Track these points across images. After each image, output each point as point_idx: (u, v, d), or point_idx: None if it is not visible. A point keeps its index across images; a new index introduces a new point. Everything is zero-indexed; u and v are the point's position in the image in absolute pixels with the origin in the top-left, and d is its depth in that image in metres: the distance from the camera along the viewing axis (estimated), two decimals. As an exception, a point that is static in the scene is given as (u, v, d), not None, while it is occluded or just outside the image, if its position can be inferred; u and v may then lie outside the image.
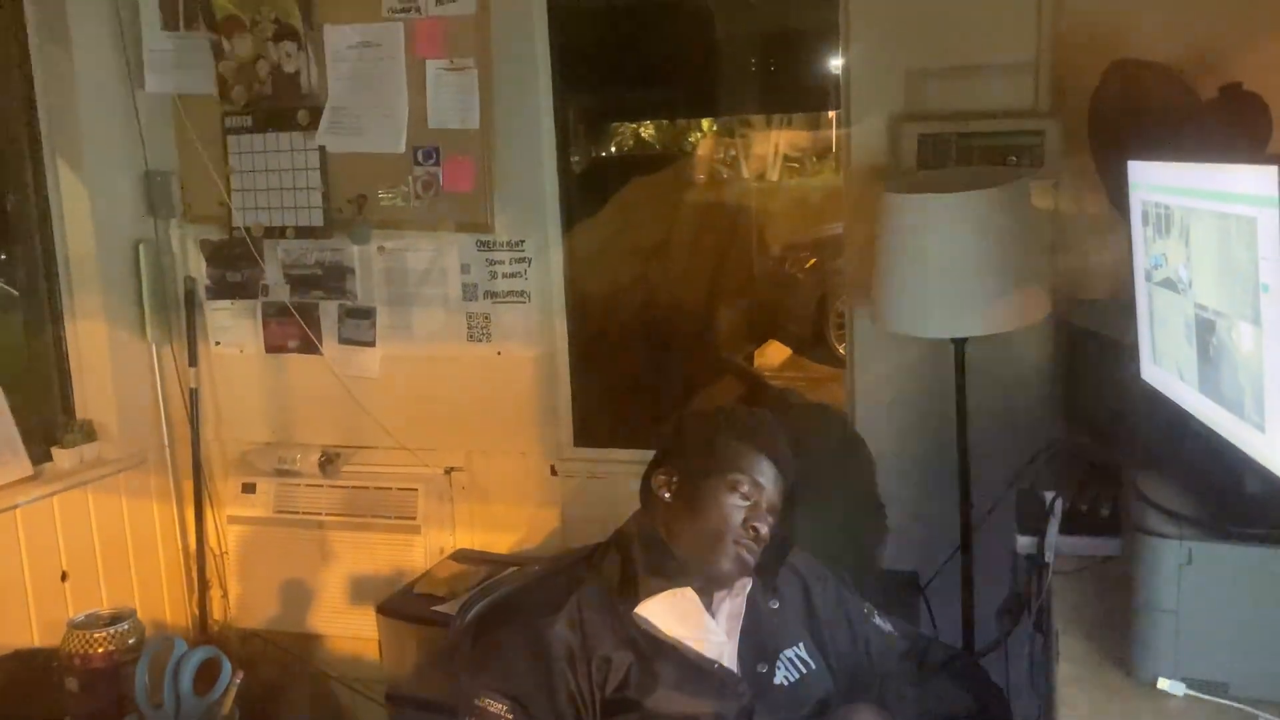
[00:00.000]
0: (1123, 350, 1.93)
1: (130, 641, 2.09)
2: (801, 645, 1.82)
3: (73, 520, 3.03)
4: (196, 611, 3.43)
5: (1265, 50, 2.34)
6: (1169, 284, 1.65)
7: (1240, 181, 1.34)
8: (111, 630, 2.07)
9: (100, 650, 2.06)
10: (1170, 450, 1.67)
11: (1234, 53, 2.32)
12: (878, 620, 1.92)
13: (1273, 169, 1.25)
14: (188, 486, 3.39)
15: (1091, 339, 2.28)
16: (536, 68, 2.98)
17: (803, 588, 1.88)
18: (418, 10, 2.96)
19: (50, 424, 3.14)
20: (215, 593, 3.45)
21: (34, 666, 2.35)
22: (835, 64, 2.84)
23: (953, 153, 2.57)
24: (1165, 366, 1.74)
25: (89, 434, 3.15)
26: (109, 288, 3.19)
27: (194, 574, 3.43)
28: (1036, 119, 2.52)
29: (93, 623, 2.09)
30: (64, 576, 3.00)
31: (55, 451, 3.07)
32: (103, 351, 3.20)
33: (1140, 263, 1.78)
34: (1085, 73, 2.32)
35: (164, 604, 3.39)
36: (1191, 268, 1.55)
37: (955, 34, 2.58)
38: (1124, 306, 1.91)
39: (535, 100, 2.99)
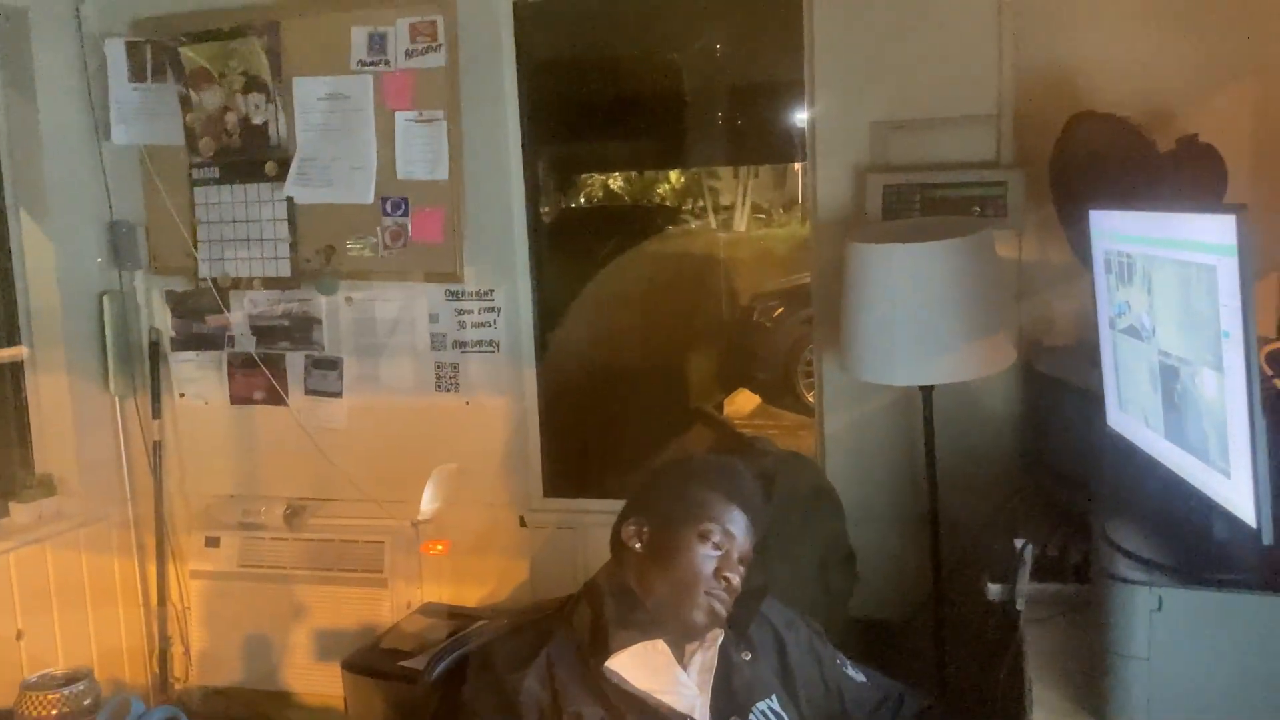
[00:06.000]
0: (1089, 397, 1.95)
1: (86, 703, 2.02)
2: (775, 698, 1.79)
3: (29, 577, 2.97)
4: (157, 669, 3.36)
5: (1219, 103, 2.41)
6: (1132, 331, 1.67)
7: (1200, 230, 1.36)
8: (66, 691, 2.00)
9: (54, 712, 1.99)
10: (1138, 496, 1.68)
11: (1190, 106, 2.38)
12: (851, 671, 1.90)
13: (1231, 218, 1.27)
14: (150, 541, 3.34)
15: (1058, 386, 2.30)
16: (506, 120, 3.00)
17: (775, 638, 1.86)
18: (387, 63, 2.98)
19: (8, 479, 3.08)
20: (177, 650, 3.38)
21: (-14, 729, 2.27)
22: (801, 117, 2.88)
23: (917, 203, 2.60)
24: (1131, 413, 1.75)
25: (48, 488, 3.10)
26: (72, 339, 3.16)
27: (155, 631, 3.35)
28: (999, 170, 2.56)
29: (46, 684, 2.02)
30: (19, 635, 2.93)
31: (13, 506, 3.02)
32: (64, 404, 3.15)
33: (1104, 310, 1.80)
34: (1046, 125, 2.37)
35: (123, 662, 3.31)
36: (1154, 315, 1.57)
37: (918, 87, 2.62)
38: (1089, 354, 1.93)
39: (505, 151, 3.00)
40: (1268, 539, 1.31)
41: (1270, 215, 2.32)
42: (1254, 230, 1.26)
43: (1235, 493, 1.35)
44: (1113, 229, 1.74)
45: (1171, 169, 2.13)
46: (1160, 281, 1.53)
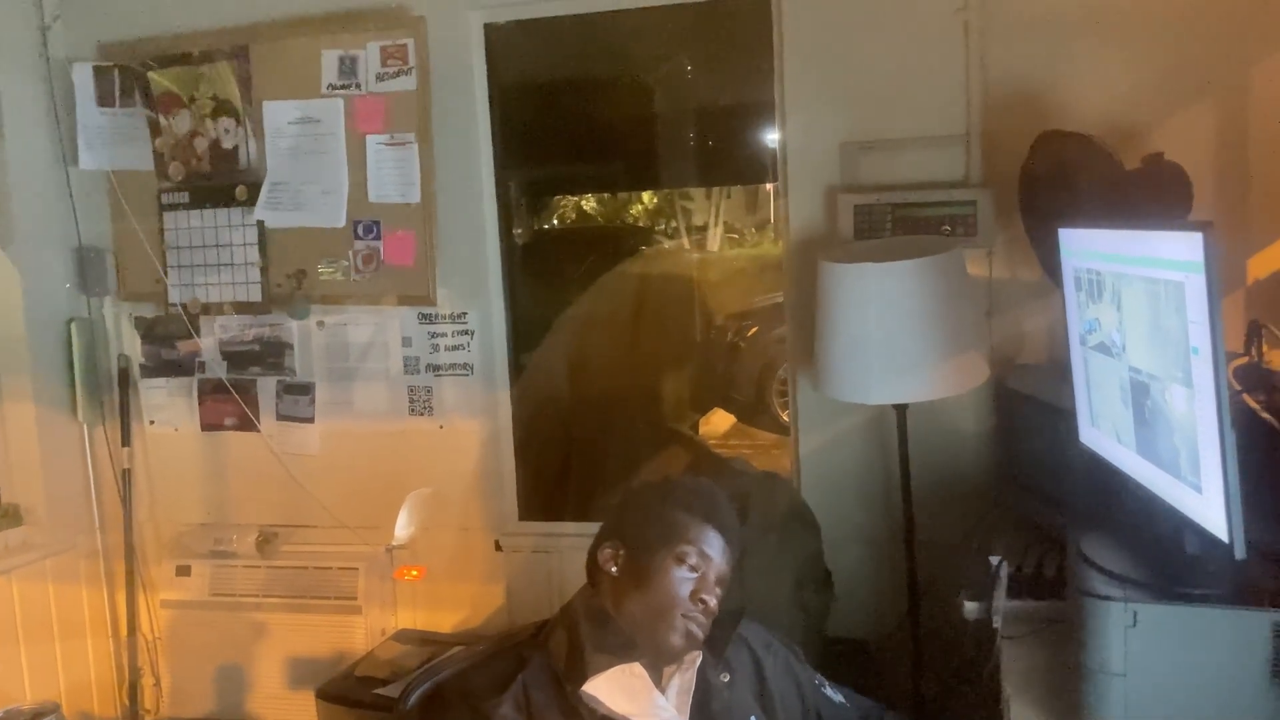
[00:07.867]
0: (1061, 413, 1.96)
1: (54, 737, 2.00)
2: (753, 719, 1.79)
3: (-5, 610, 2.92)
4: (127, 702, 3.31)
5: (1184, 122, 2.44)
6: (1103, 348, 1.68)
7: (1168, 247, 1.38)
8: (34, 726, 1.98)
9: (21, 748, 1.96)
10: (1111, 512, 1.69)
11: (1155, 124, 2.41)
12: (829, 691, 1.90)
13: (1198, 235, 1.29)
14: (119, 571, 3.28)
15: (1030, 403, 2.31)
16: (478, 142, 3.00)
17: (753, 660, 1.85)
18: (358, 86, 2.97)
19: (-27, 509, 3.03)
20: (147, 681, 3.32)
21: (-49, 766, 2.23)
22: (772, 138, 2.89)
23: (888, 223, 2.62)
24: (1103, 429, 1.76)
25: (14, 519, 3.05)
26: (39, 367, 3.12)
27: (124, 662, 3.30)
28: (968, 189, 2.58)
29: (14, 719, 2.00)
30: (-15, 669, 2.88)
31: (-22, 538, 2.96)
32: (31, 433, 3.11)
33: (1074, 328, 1.82)
34: (1014, 144, 2.39)
35: (92, 695, 3.25)
36: (1124, 332, 1.58)
37: (888, 108, 2.64)
38: (1060, 370, 1.95)
39: (477, 174, 3.00)
40: (1240, 553, 1.32)
41: (1235, 232, 2.37)
42: (1220, 247, 1.28)
43: (1207, 508, 1.36)
44: (1082, 247, 1.76)
45: (1138, 187, 2.15)
46: (1129, 298, 1.55)
